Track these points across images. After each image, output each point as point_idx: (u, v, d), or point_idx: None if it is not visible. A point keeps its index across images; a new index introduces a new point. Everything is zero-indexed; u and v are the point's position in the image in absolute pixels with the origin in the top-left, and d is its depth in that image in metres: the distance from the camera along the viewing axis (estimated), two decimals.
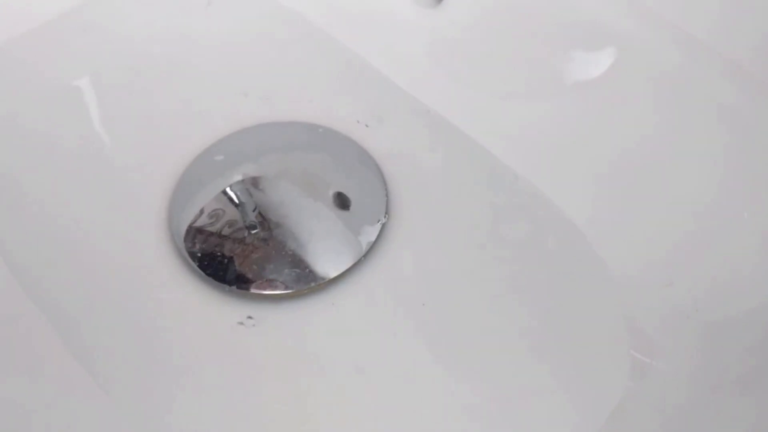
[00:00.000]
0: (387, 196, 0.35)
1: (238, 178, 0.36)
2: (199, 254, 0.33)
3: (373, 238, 0.34)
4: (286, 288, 0.33)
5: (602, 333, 0.33)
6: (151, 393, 0.31)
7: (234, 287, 0.34)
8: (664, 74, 0.33)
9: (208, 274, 0.34)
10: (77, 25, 0.41)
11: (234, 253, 0.33)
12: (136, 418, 0.31)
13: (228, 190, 0.35)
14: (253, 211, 0.35)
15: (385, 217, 0.35)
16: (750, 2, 0.31)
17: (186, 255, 0.34)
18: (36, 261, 0.34)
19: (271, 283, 0.33)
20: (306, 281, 0.33)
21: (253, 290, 0.33)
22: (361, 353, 0.33)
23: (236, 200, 0.35)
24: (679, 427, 0.30)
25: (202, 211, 0.35)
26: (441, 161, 0.38)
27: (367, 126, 0.38)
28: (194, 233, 0.34)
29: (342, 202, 0.35)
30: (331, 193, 0.35)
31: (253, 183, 0.35)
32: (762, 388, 0.30)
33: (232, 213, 0.35)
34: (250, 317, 0.33)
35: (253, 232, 0.34)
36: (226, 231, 0.34)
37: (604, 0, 0.33)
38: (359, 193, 0.35)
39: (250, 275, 0.33)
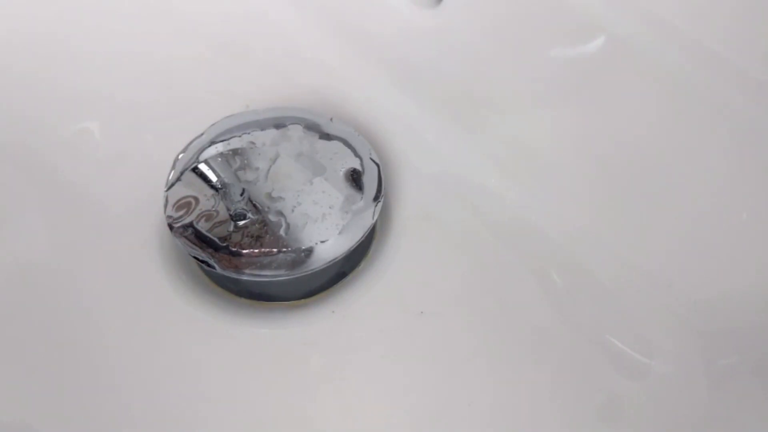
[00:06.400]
0: (381, 176, 0.35)
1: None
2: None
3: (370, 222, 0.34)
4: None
5: (601, 335, 0.33)
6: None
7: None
8: (667, 78, 0.33)
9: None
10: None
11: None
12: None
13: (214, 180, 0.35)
14: (241, 195, 0.34)
15: (381, 198, 0.34)
16: (760, 7, 0.31)
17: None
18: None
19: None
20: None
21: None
22: (358, 360, 0.33)
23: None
24: (679, 427, 0.30)
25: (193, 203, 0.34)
26: (440, 164, 0.38)
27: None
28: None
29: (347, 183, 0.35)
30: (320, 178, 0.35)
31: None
32: (762, 388, 0.30)
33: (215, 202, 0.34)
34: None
35: (241, 223, 0.34)
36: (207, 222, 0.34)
37: (611, 4, 0.33)
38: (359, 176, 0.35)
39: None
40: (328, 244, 0.33)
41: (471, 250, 0.35)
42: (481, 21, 0.37)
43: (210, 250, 0.33)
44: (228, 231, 0.33)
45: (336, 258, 0.33)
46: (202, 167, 0.35)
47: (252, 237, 0.33)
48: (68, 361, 0.32)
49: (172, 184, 0.34)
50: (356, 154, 0.36)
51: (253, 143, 0.36)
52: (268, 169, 0.35)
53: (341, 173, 0.35)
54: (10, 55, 0.41)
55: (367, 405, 0.32)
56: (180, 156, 0.35)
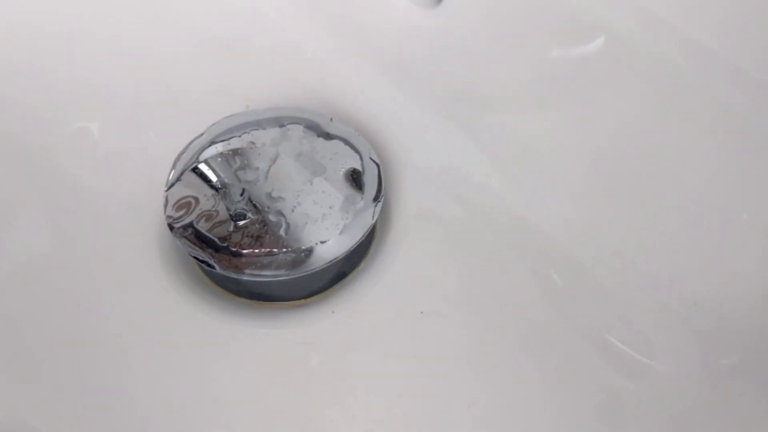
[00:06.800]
0: (381, 176, 0.35)
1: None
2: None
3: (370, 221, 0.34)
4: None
5: (601, 335, 0.33)
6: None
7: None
8: (666, 77, 0.33)
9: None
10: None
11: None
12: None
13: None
14: (241, 195, 0.34)
15: (380, 198, 0.34)
16: (757, 5, 0.31)
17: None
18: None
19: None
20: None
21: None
22: (358, 360, 0.33)
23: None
24: (679, 427, 0.30)
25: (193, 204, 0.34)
26: (440, 163, 0.38)
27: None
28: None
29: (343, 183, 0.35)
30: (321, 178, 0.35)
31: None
32: (762, 388, 0.30)
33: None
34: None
35: (241, 223, 0.34)
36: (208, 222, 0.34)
37: (609, 3, 0.33)
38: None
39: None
40: (328, 244, 0.33)
41: (471, 250, 0.35)
42: (481, 21, 0.37)
43: (210, 251, 0.33)
44: (228, 231, 0.33)
45: (336, 258, 0.33)
46: (202, 167, 0.35)
47: (252, 237, 0.33)
48: (68, 361, 0.32)
49: (172, 184, 0.34)
50: (356, 154, 0.36)
51: (253, 143, 0.36)
52: (268, 169, 0.35)
53: (341, 173, 0.35)
54: (11, 53, 0.41)
55: (367, 405, 0.32)
56: (180, 156, 0.35)
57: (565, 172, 0.36)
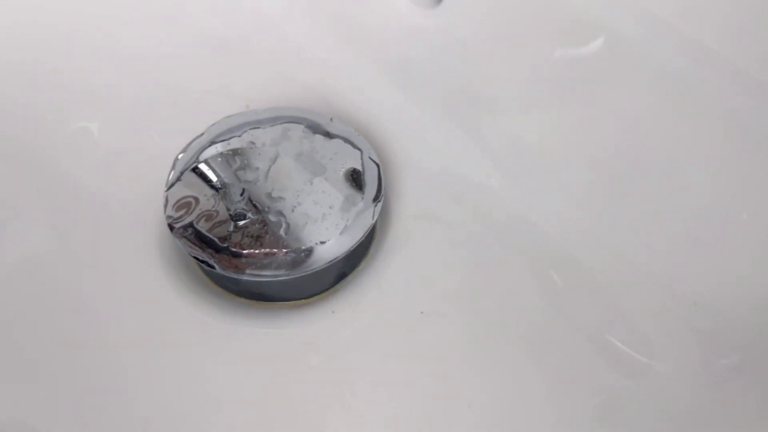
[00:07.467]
0: (381, 177, 0.35)
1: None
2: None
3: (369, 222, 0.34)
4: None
5: (601, 335, 0.33)
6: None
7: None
8: (666, 77, 0.33)
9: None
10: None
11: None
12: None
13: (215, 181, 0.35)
14: (241, 195, 0.34)
15: (380, 198, 0.34)
16: (758, 6, 0.31)
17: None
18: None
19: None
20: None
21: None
22: (358, 360, 0.33)
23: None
24: (679, 427, 0.30)
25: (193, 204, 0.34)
26: (440, 163, 0.38)
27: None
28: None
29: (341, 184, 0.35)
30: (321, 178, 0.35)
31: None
32: (762, 388, 0.30)
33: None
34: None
35: (241, 223, 0.34)
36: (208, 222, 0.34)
37: (609, 3, 0.33)
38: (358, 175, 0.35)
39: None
40: (328, 245, 0.33)
41: (471, 250, 0.35)
42: (481, 21, 0.37)
43: (210, 251, 0.33)
44: (228, 231, 0.33)
45: (336, 258, 0.33)
46: (202, 167, 0.35)
47: (252, 237, 0.33)
48: (68, 361, 0.32)
49: (172, 184, 0.34)
50: (356, 154, 0.36)
51: (253, 143, 0.36)
52: (268, 169, 0.35)
53: (341, 173, 0.35)
54: (11, 53, 0.41)
55: (367, 405, 0.32)
56: (180, 156, 0.35)
57: (565, 172, 0.36)
